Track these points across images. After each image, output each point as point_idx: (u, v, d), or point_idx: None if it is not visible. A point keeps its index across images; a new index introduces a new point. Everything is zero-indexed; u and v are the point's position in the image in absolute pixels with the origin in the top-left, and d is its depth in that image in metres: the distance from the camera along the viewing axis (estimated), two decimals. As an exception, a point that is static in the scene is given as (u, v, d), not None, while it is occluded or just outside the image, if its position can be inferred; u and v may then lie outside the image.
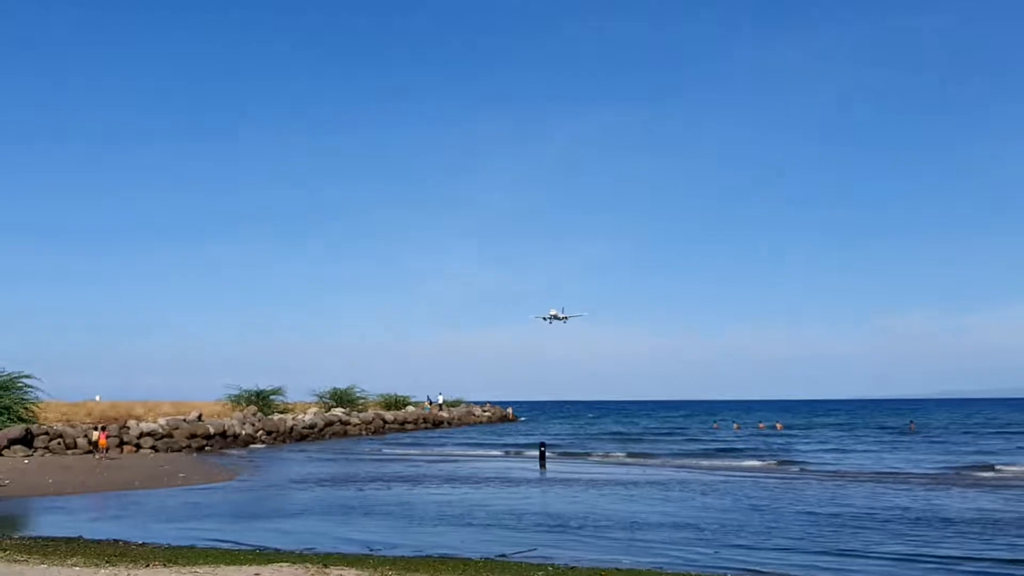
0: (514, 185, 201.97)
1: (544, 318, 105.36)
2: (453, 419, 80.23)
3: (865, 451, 44.05)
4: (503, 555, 14.37)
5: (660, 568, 13.18)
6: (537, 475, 31.70)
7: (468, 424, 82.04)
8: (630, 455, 43.03)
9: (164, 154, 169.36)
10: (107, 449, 36.57)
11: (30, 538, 15.69)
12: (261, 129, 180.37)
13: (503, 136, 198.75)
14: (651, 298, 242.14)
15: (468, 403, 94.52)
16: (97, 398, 50.55)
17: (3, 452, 32.57)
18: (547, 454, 36.69)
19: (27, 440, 34.18)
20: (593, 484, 27.50)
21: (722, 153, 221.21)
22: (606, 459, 40.74)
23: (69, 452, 35.21)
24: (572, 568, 12.88)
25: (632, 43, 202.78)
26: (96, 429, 37.90)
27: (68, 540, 15.39)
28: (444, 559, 13.65)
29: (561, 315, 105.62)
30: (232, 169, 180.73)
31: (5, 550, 12.78)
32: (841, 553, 14.68)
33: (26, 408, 38.81)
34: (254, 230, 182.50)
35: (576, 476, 30.53)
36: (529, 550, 14.98)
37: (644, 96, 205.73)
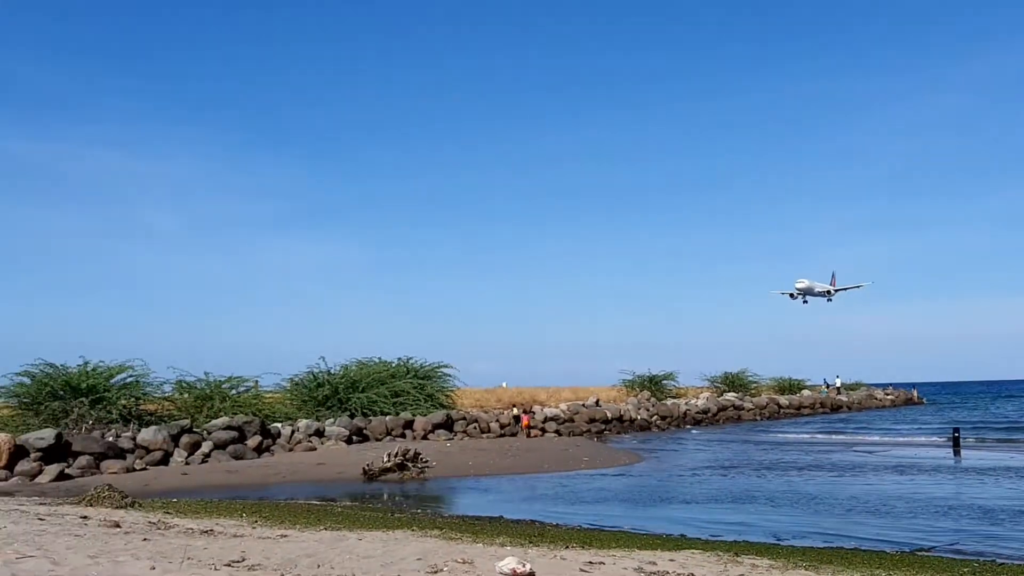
0: (907, 139, 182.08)
1: (791, 294, 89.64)
2: (852, 403, 76.15)
3: None
4: (921, 548, 13.26)
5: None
6: (951, 462, 28.99)
7: (869, 408, 77.44)
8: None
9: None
10: (529, 429, 39.91)
11: (459, 516, 16.92)
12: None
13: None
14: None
15: (868, 386, 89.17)
16: (504, 384, 54.38)
17: (428, 436, 35.95)
18: (961, 439, 33.37)
19: (448, 425, 37.49)
20: (1017, 473, 24.42)
21: None
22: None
23: (484, 436, 38.08)
24: (1002, 564, 11.49)
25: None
26: (523, 412, 41.58)
27: (492, 519, 16.37)
28: (856, 551, 12.82)
29: (819, 290, 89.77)
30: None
31: (441, 528, 13.80)
32: None
33: (446, 395, 42.61)
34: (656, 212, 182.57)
35: (996, 464, 27.38)
36: (950, 543, 13.72)
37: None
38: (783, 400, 65.99)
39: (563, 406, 45.22)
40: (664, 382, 60.41)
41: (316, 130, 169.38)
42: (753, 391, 66.75)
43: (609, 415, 45.87)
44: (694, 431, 47.99)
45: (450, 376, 43.78)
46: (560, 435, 40.84)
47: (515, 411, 41.72)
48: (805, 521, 16.67)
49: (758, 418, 59.08)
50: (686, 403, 55.40)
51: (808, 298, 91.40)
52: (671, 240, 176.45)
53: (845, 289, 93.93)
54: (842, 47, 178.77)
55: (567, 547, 11.98)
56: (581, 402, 47.31)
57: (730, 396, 61.27)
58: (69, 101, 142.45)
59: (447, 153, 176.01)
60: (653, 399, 54.45)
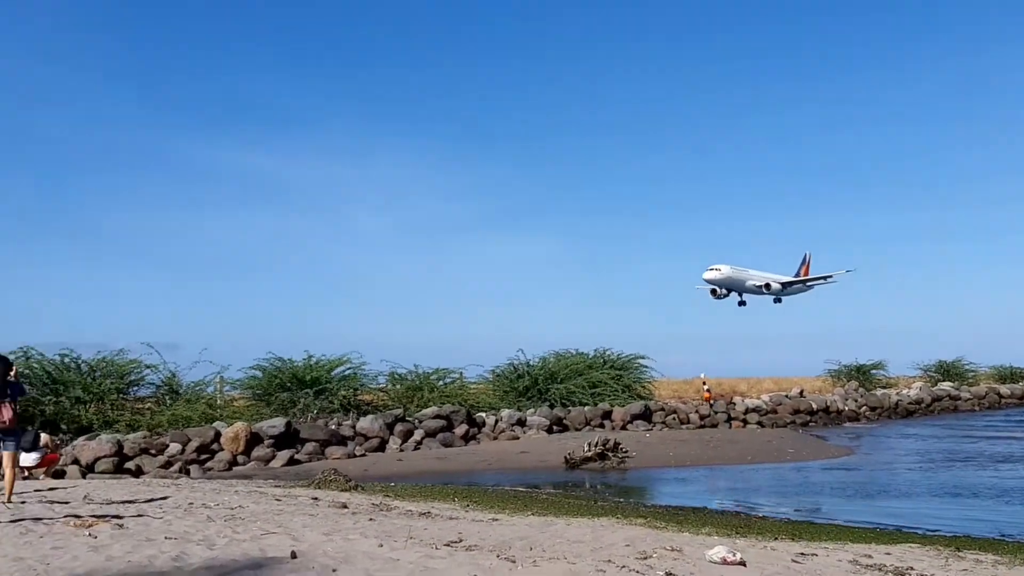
0: None
1: (713, 291, 67.26)
2: (1089, 393, 69.66)
3: None
4: None
5: None
6: None
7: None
8: None
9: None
10: (712, 403, 40.67)
11: (662, 506, 17.10)
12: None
13: None
14: None
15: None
16: (702, 375, 53.67)
17: (627, 427, 36.16)
18: None
19: (646, 416, 37.55)
20: None
21: None
22: None
23: (683, 427, 37.86)
24: None
25: None
26: (705, 386, 42.82)
27: (695, 510, 16.43)
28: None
29: (753, 283, 67.00)
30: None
31: (645, 517, 14.05)
32: None
33: (643, 386, 42.67)
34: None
35: None
36: None
37: None
38: (1004, 389, 61.40)
39: (765, 397, 44.18)
40: (873, 371, 57.85)
41: (515, 131, 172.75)
42: (971, 380, 62.69)
43: (814, 406, 44.41)
44: (905, 422, 45.69)
45: (647, 367, 43.87)
46: (762, 427, 39.94)
47: (703, 375, 43.48)
48: (1030, 516, 15.80)
49: (976, 409, 55.36)
50: (897, 393, 52.78)
51: (745, 296, 68.50)
52: (877, 221, 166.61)
53: (806, 282, 71.07)
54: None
55: (776, 538, 11.93)
56: (784, 393, 46.04)
57: (945, 386, 57.76)
58: (289, 115, 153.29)
59: (640, 145, 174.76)
60: (861, 389, 52.23)
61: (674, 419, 38.30)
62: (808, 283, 71.56)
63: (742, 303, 69.16)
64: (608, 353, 43.35)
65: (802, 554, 10.25)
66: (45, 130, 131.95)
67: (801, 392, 46.71)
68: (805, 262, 72.84)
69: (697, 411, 39.62)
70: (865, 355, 59.09)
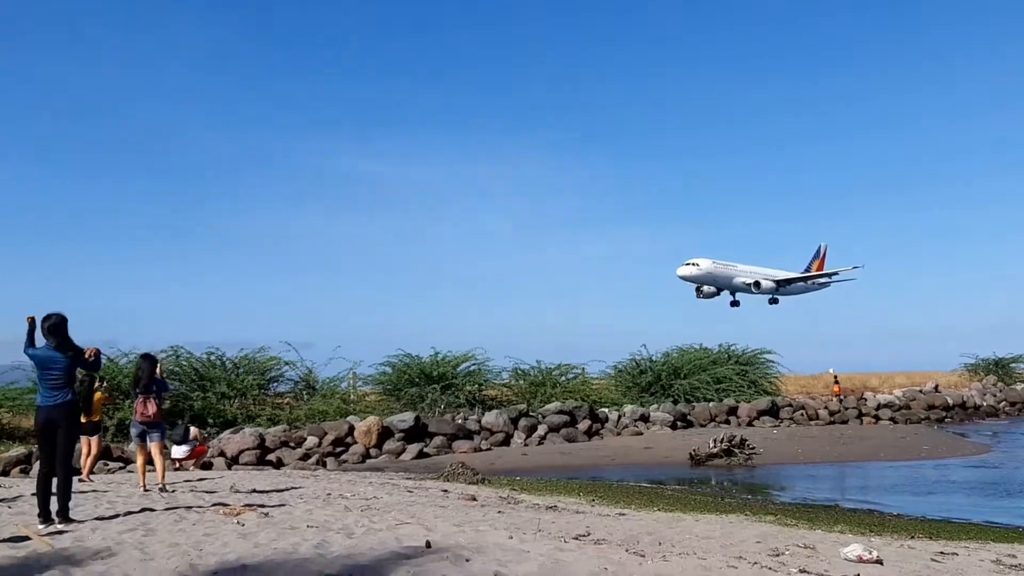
0: None
1: (698, 289, 59.63)
2: None
3: None
4: None
5: None
6: None
7: None
8: None
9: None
10: (841, 397, 40.22)
11: (791, 504, 16.84)
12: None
13: None
14: None
15: None
16: (831, 370, 52.30)
17: (752, 423, 35.55)
18: None
19: (773, 411, 36.83)
20: None
21: None
22: None
23: (812, 423, 36.96)
24: None
25: None
26: (835, 379, 42.59)
27: (826, 507, 16.12)
28: None
29: (742, 280, 59.48)
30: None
31: (775, 514, 13.89)
32: None
33: (769, 382, 41.82)
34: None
35: None
36: None
37: None
38: None
39: (897, 392, 42.69)
40: (1012, 365, 55.08)
41: (622, 132, 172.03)
42: None
43: (950, 401, 42.62)
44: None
45: (773, 362, 42.99)
46: (895, 423, 38.62)
47: (831, 370, 43.19)
48: None
49: None
50: (1038, 388, 50.14)
51: (739, 295, 61.05)
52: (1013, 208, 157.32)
53: (808, 280, 63.61)
54: None
55: (912, 537, 11.64)
56: (918, 388, 44.37)
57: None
58: (394, 118, 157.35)
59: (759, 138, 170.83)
60: (1000, 384, 49.83)
61: (802, 415, 37.44)
62: (813, 281, 65.21)
63: (735, 303, 62.79)
64: (733, 348, 42.70)
65: (942, 553, 9.99)
66: (183, 136, 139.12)
67: (936, 387, 44.92)
68: (819, 255, 66.87)
69: (826, 407, 38.61)
70: (1003, 348, 56.25)
